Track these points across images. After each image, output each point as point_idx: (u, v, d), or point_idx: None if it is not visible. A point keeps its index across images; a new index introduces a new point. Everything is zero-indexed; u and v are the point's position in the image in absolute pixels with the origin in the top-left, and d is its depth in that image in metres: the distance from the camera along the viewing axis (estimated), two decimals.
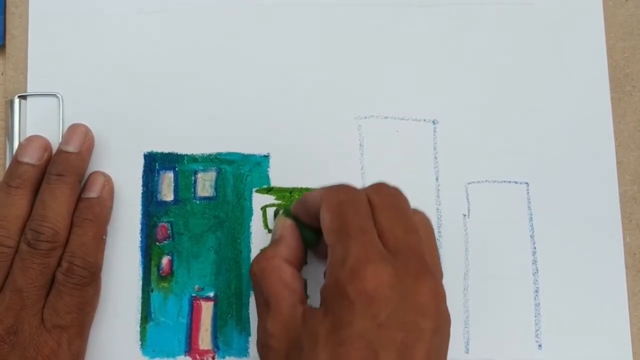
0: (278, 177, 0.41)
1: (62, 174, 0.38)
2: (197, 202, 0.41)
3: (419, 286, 0.31)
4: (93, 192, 0.39)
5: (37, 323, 0.36)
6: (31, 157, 0.39)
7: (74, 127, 0.40)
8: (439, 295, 0.32)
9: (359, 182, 0.41)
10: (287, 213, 0.37)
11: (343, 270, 0.31)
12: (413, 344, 0.30)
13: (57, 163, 0.38)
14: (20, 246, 0.37)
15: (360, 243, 0.31)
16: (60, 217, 0.37)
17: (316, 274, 0.38)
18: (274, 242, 0.36)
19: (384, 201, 0.34)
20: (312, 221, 0.35)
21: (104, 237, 0.39)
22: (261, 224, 0.41)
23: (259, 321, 0.34)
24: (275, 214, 0.38)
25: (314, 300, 0.34)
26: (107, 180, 0.40)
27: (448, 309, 0.32)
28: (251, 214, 0.41)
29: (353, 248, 0.31)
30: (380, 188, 0.34)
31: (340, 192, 0.34)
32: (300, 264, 0.36)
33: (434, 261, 0.34)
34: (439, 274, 0.34)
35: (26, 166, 0.38)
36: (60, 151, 0.39)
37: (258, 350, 0.34)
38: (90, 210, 0.38)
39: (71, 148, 0.39)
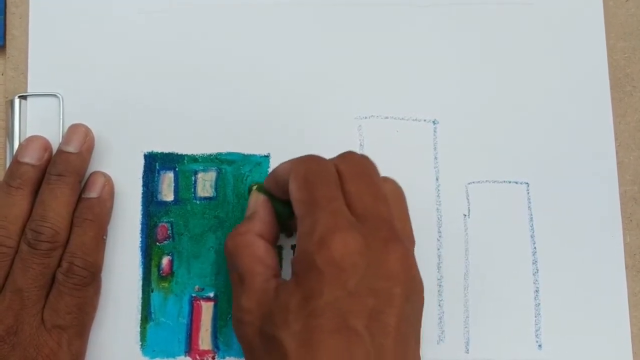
0: None
1: (62, 174, 0.38)
2: (198, 202, 0.41)
3: (388, 253, 0.31)
4: (93, 192, 0.39)
5: (37, 323, 0.36)
6: (31, 157, 0.39)
7: (74, 127, 0.40)
8: (408, 262, 0.32)
9: None
10: (260, 188, 0.37)
11: (311, 240, 0.31)
12: (383, 310, 0.30)
13: (57, 163, 0.38)
14: (21, 246, 0.37)
15: (327, 212, 0.31)
16: (60, 218, 0.37)
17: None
18: (247, 218, 0.36)
19: (352, 169, 0.33)
20: (284, 194, 0.35)
21: (104, 237, 0.39)
22: None
23: (233, 297, 0.34)
24: (249, 190, 0.38)
25: (287, 274, 0.34)
26: (107, 181, 0.40)
27: (420, 275, 0.32)
28: None
29: (321, 218, 0.31)
30: (348, 157, 0.35)
31: (308, 163, 0.34)
32: (274, 238, 0.36)
33: (404, 228, 0.34)
34: (409, 241, 0.34)
35: (26, 166, 0.38)
36: (60, 151, 0.39)
37: (233, 327, 0.34)
38: (90, 210, 0.38)
39: (71, 148, 0.39)
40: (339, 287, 0.30)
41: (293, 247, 0.40)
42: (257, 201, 0.36)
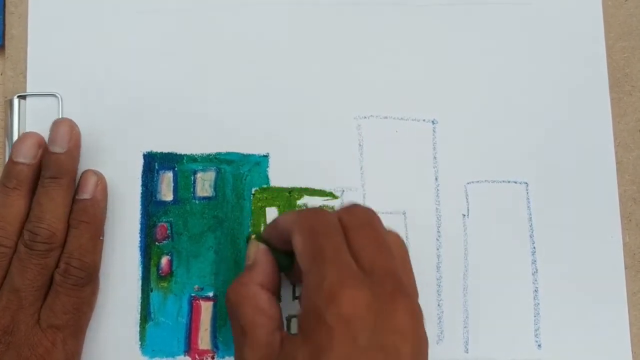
0: (277, 177, 0.41)
1: (55, 176, 0.38)
2: (197, 202, 0.41)
3: (396, 307, 0.31)
4: (86, 194, 0.39)
5: (33, 323, 0.36)
6: (25, 157, 0.38)
7: (57, 125, 0.39)
8: (416, 316, 0.31)
9: (359, 182, 0.41)
10: (259, 238, 0.36)
11: (320, 295, 0.30)
12: None
13: (49, 167, 0.38)
14: (19, 247, 0.37)
15: (334, 266, 0.31)
16: (57, 219, 0.37)
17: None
18: (249, 268, 0.35)
19: (356, 221, 0.33)
20: (285, 245, 0.34)
21: (101, 237, 0.39)
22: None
23: (235, 349, 0.34)
24: (248, 239, 0.37)
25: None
26: (100, 179, 0.39)
27: (425, 329, 0.32)
28: (250, 214, 0.41)
29: (328, 272, 0.31)
30: (352, 209, 0.34)
31: (312, 216, 0.34)
32: (276, 288, 0.35)
33: (409, 281, 0.33)
34: (415, 294, 0.33)
35: (21, 166, 0.38)
36: (49, 153, 0.39)
37: None
38: (84, 212, 0.38)
39: (58, 148, 0.39)
40: (349, 343, 0.29)
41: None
42: (258, 251, 0.36)
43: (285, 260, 0.36)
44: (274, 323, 0.33)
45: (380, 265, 0.32)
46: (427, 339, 0.32)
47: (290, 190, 0.41)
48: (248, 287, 0.34)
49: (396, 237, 0.35)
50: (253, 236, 0.37)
